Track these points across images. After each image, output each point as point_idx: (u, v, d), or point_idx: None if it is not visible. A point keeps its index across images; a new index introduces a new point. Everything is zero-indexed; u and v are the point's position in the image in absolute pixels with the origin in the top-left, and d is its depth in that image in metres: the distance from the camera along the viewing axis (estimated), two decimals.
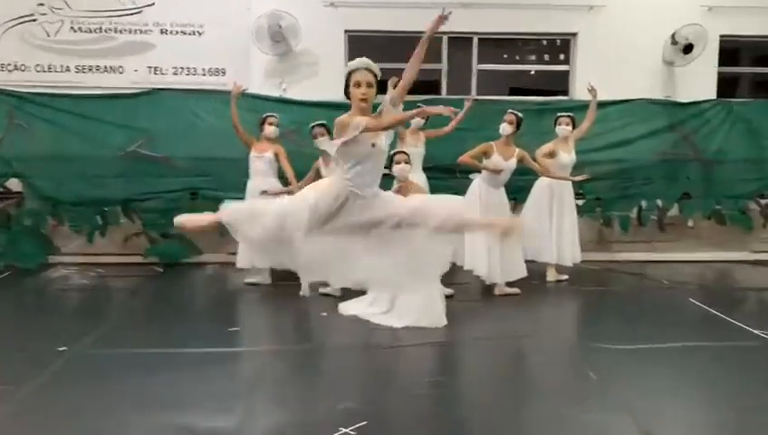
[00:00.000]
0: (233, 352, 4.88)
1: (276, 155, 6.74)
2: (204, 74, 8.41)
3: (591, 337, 5.23)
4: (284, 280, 6.89)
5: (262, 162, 6.74)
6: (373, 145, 3.70)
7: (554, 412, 3.86)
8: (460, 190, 6.97)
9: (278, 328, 5.82)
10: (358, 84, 3.74)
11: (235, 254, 6.92)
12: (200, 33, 8.35)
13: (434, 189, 7.12)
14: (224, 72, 8.36)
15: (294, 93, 8.19)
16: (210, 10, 8.31)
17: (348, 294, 6.08)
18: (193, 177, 7.83)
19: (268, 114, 6.88)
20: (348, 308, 5.83)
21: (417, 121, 6.99)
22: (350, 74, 3.77)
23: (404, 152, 5.88)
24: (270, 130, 6.79)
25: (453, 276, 6.48)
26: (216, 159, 7.69)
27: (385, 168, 5.89)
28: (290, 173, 6.62)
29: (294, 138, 7.51)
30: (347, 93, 3.83)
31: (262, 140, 6.82)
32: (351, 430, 3.49)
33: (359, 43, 8.47)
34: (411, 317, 5.35)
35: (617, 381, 4.29)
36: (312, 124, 6.44)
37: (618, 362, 4.64)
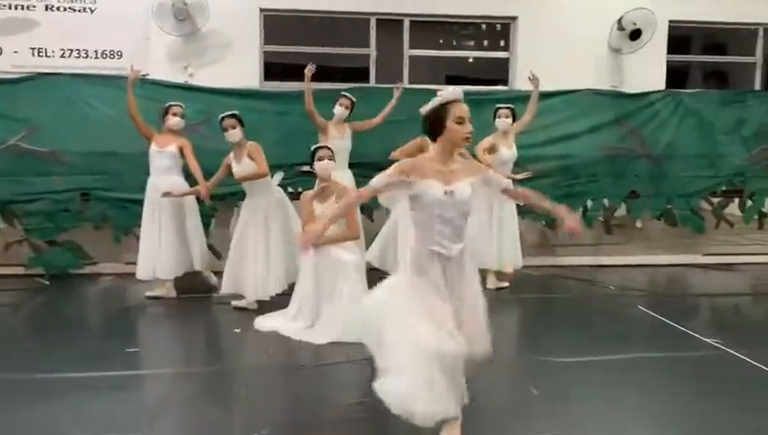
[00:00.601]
0: (132, 376, 4.74)
1: (181, 149, 6.63)
2: (96, 57, 8.19)
3: (534, 349, 5.35)
4: (191, 292, 6.81)
5: (164, 158, 6.61)
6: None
7: (499, 431, 3.93)
8: None
9: (185, 347, 5.71)
10: (461, 121, 3.36)
11: (133, 264, 6.78)
12: (92, 10, 8.12)
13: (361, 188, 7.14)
14: (120, 55, 8.15)
15: (202, 79, 8.04)
16: None
17: (264, 306, 6.04)
18: (84, 175, 7.59)
19: (172, 103, 6.75)
20: (265, 323, 5.77)
21: (342, 112, 7.00)
22: (443, 107, 3.37)
23: (327, 147, 5.87)
24: (174, 121, 6.67)
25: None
26: (111, 154, 7.49)
27: (306, 165, 5.94)
28: (197, 170, 6.51)
29: (202, 130, 7.39)
30: (435, 131, 3.45)
31: (164, 132, 6.69)
32: None
33: (275, 24, 8.41)
34: (337, 331, 5.34)
35: (562, 398, 4.38)
36: (223, 115, 6.35)
37: (563, 377, 4.75)
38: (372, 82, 8.54)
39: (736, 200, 8.66)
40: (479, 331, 3.62)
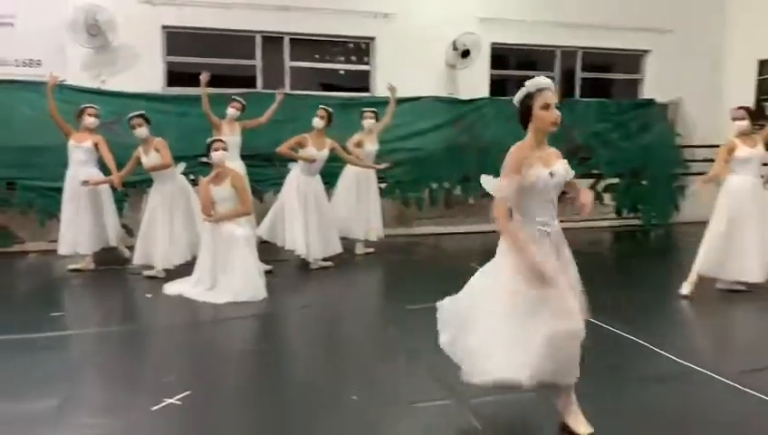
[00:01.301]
0: (56, 337, 4.46)
1: (96, 145, 6.26)
2: (17, 66, 7.53)
3: (395, 300, 5.45)
4: (108, 265, 6.49)
5: (81, 152, 6.23)
6: None
7: (362, 366, 3.98)
8: (278, 178, 6.94)
9: (104, 311, 5.41)
10: (546, 107, 2.93)
11: (56, 241, 6.37)
12: (12, 24, 7.46)
13: (254, 176, 7.01)
14: (39, 64, 7.52)
15: (113, 85, 7.57)
16: (23, 0, 7.45)
17: (170, 274, 5.84)
18: (10, 167, 7.03)
19: (86, 105, 6.35)
20: (172, 288, 5.57)
21: (233, 113, 6.82)
22: (530, 96, 2.97)
23: (221, 140, 5.68)
24: (89, 120, 6.28)
25: (272, 253, 6.44)
26: (34, 148, 6.95)
27: (203, 155, 5.75)
28: (110, 162, 6.21)
29: (115, 128, 6.98)
30: (525, 119, 3.02)
31: (81, 130, 6.29)
32: (176, 400, 3.35)
33: (176, 38, 8.04)
34: (232, 293, 5.23)
35: (416, 336, 4.46)
36: (131, 115, 6.03)
37: (418, 320, 4.81)
38: (259, 88, 8.34)
39: None
40: (580, 298, 3.11)
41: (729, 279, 5.52)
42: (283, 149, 6.29)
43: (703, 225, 5.63)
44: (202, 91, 6.69)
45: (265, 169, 7.48)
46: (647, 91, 9.72)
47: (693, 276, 5.50)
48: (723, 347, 4.64)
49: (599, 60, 9.96)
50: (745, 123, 5.43)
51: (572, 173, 3.09)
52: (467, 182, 8.67)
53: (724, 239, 5.34)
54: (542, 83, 2.94)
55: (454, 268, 6.84)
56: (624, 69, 10.14)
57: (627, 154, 9.11)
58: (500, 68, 9.57)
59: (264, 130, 7.08)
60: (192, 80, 7.17)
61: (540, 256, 2.88)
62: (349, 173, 6.99)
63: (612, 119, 9.20)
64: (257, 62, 8.38)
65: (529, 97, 2.97)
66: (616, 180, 9.20)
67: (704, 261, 5.45)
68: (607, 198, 9.33)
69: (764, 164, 5.64)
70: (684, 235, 8.41)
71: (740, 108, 5.60)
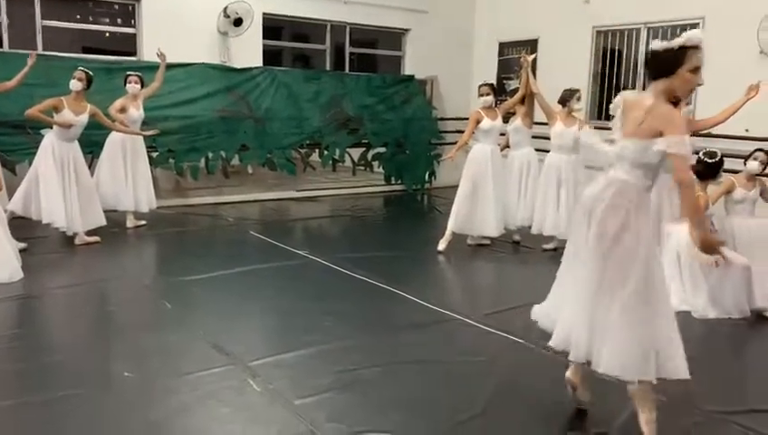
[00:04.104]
0: None
1: None
2: None
3: (169, 273, 5.21)
4: None
5: None
6: None
7: (135, 342, 3.77)
8: (31, 146, 6.17)
9: None
10: (696, 70, 2.55)
11: None
12: None
13: (3, 145, 6.16)
14: None
15: None
16: None
17: None
18: None
19: None
20: None
21: None
22: (685, 51, 2.53)
23: None
24: None
25: (27, 230, 5.76)
26: None
27: None
28: None
29: None
30: (662, 71, 2.59)
31: None
32: None
33: None
34: None
35: (191, 307, 4.36)
36: None
37: (192, 291, 4.71)
38: (5, 48, 7.28)
39: (317, 151, 9.25)
40: None
41: (475, 235, 6.19)
42: (33, 111, 5.58)
43: (455, 189, 6.22)
44: None
45: (16, 138, 6.62)
46: (407, 68, 10.33)
47: (447, 234, 6.07)
48: (471, 295, 5.21)
49: (366, 36, 10.35)
50: (489, 98, 6.05)
51: None
52: (245, 151, 8.53)
53: (470, 200, 5.97)
54: (701, 39, 2.54)
55: (232, 238, 6.76)
56: (388, 46, 10.66)
57: (391, 126, 9.62)
58: (274, 39, 9.47)
59: (14, 95, 6.19)
60: None
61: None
62: (114, 141, 6.42)
63: (378, 93, 9.63)
64: (2, 17, 7.29)
65: (682, 51, 2.55)
66: (383, 150, 9.70)
67: (455, 220, 6.05)
68: (376, 165, 9.82)
69: (502, 134, 6.37)
70: (440, 198, 9.19)
71: (484, 84, 6.22)
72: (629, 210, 2.64)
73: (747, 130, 6.61)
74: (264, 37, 8.99)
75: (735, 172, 5.02)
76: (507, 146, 6.52)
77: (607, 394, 3.04)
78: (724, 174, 4.84)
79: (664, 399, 2.91)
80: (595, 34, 8.79)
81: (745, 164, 4.96)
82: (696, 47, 2.54)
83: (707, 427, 2.98)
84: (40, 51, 7.27)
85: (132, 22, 8.32)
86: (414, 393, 3.17)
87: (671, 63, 2.56)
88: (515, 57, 6.87)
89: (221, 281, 4.96)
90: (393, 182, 9.95)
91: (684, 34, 2.56)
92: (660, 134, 2.53)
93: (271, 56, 9.38)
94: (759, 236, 4.82)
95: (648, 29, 8.21)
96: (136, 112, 6.49)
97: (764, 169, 4.98)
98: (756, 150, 4.99)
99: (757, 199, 4.96)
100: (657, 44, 2.63)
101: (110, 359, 3.56)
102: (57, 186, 5.66)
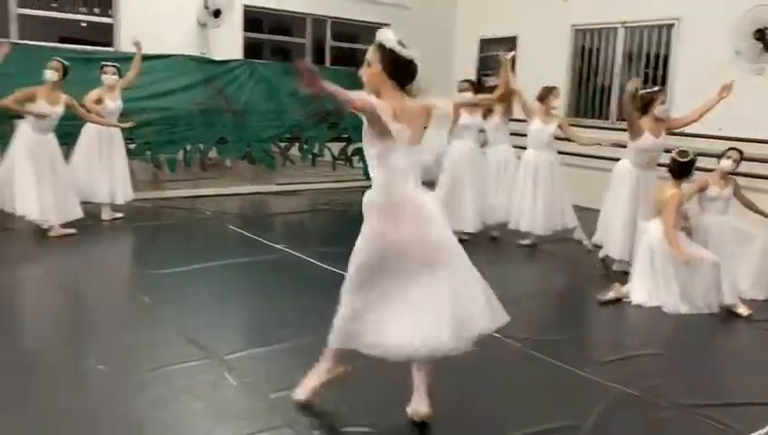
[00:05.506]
0: None
1: None
2: None
3: (146, 266, 5.16)
4: None
5: None
6: None
7: (110, 336, 3.73)
8: (5, 135, 6.07)
9: None
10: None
11: None
12: None
13: None
14: None
15: None
16: None
17: None
18: None
19: None
20: None
21: None
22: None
23: None
24: None
25: (0, 222, 5.67)
26: None
27: None
28: None
29: None
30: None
31: None
32: None
33: None
34: None
35: (167, 301, 4.32)
36: None
37: (168, 285, 4.67)
38: None
39: (296, 144, 9.21)
40: None
41: (453, 230, 6.19)
42: (7, 101, 5.49)
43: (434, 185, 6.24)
44: None
45: None
46: None
47: None
48: None
49: (346, 30, 10.31)
50: (469, 95, 6.07)
51: None
52: (223, 144, 8.47)
53: (448, 196, 5.98)
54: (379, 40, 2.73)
55: (209, 231, 6.71)
56: (369, 40, 10.58)
57: None
58: (254, 31, 9.41)
59: None
60: None
61: None
62: (90, 132, 6.32)
63: (358, 87, 9.57)
64: None
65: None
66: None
67: None
68: (355, 160, 9.80)
69: (481, 131, 6.40)
70: None
71: (464, 81, 6.24)
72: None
73: (720, 130, 6.72)
74: (245, 30, 8.92)
75: (709, 171, 5.11)
76: (485, 143, 6.56)
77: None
78: (698, 172, 4.93)
79: (636, 393, 2.96)
80: (573, 33, 8.87)
81: (719, 163, 5.05)
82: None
83: (679, 421, 3.03)
84: (14, 39, 7.14)
85: (109, 12, 8.20)
86: (388, 389, 3.17)
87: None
88: (495, 54, 6.89)
89: (198, 274, 4.92)
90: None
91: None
92: None
93: (251, 49, 9.31)
94: (730, 234, 4.92)
95: (626, 28, 8.31)
96: (112, 103, 6.39)
97: (737, 167, 5.08)
98: (729, 149, 5.09)
99: (731, 198, 5.06)
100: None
101: (83, 352, 3.52)
102: (31, 177, 5.57)
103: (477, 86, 7.14)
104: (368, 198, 2.71)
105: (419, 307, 2.57)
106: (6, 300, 4.36)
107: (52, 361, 3.38)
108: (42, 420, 2.76)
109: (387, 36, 2.70)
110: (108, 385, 3.10)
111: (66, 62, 5.81)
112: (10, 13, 7.38)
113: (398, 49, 2.68)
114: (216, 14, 8.27)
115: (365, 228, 2.70)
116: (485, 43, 10.06)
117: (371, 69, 2.70)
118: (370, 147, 2.67)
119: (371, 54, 2.70)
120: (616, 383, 3.26)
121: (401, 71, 2.71)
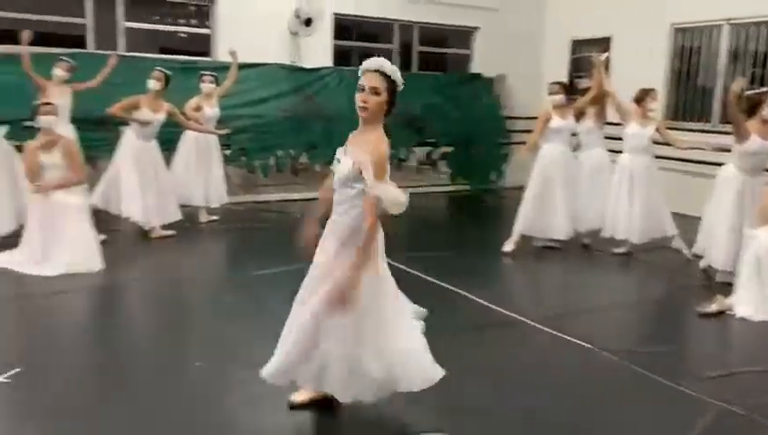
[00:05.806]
0: None
1: None
2: None
3: (241, 266, 5.36)
4: None
5: None
6: None
7: (207, 333, 3.90)
8: (111, 141, 6.47)
9: None
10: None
11: None
12: None
13: (86, 141, 6.47)
14: None
15: None
16: None
17: None
18: None
19: None
20: None
21: (61, 74, 6.24)
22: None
23: (50, 103, 5.17)
24: None
25: (107, 223, 6.04)
26: None
27: (29, 119, 5.20)
28: None
29: None
30: None
31: None
32: (4, 379, 3.08)
33: None
34: (65, 265, 4.83)
35: (264, 301, 4.42)
36: None
37: (263, 284, 4.81)
38: (90, 49, 7.67)
39: None
40: None
41: (543, 237, 6.07)
42: (116, 109, 5.88)
43: (523, 189, 6.11)
44: (23, 50, 6.04)
45: (98, 134, 6.94)
46: (475, 66, 10.22)
47: (515, 235, 5.98)
48: (535, 297, 5.12)
49: (434, 35, 10.31)
50: (559, 97, 5.93)
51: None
52: (313, 150, 8.66)
53: (539, 201, 5.86)
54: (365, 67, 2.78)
55: (298, 232, 6.85)
56: (456, 44, 10.58)
57: (458, 124, 9.55)
58: (343, 39, 9.58)
59: (97, 93, 6.53)
60: (6, 37, 6.45)
61: None
62: (189, 138, 6.68)
63: (445, 91, 9.59)
64: (88, 20, 7.69)
65: None
66: (449, 149, 9.64)
67: (522, 221, 5.95)
68: (442, 165, 9.78)
69: (573, 134, 6.22)
70: (507, 198, 9.03)
71: (555, 83, 6.10)
72: None
73: None
74: (335, 37, 9.10)
75: None
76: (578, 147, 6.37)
77: None
78: None
79: (740, 411, 2.77)
80: (673, 31, 8.46)
81: None
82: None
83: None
84: (122, 52, 7.62)
85: (207, 23, 8.60)
86: (470, 398, 3.14)
87: None
88: (587, 56, 6.68)
89: (291, 275, 5.02)
90: (459, 182, 9.88)
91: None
92: None
93: (340, 56, 9.48)
94: None
95: (731, 25, 7.85)
96: (210, 111, 6.71)
97: None
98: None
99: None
100: None
101: (182, 349, 3.70)
102: (135, 181, 5.93)
103: (569, 88, 6.96)
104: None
105: None
106: (110, 297, 4.66)
107: (149, 359, 3.56)
108: (139, 416, 2.91)
109: (393, 68, 2.74)
110: (204, 381, 3.24)
111: (168, 72, 6.14)
112: (118, 27, 7.88)
113: (400, 86, 2.75)
114: (308, 22, 8.49)
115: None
116: (578, 45, 9.77)
117: (380, 98, 2.72)
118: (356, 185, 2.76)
119: (379, 83, 2.71)
120: (717, 400, 3.08)
121: (394, 106, 2.80)
